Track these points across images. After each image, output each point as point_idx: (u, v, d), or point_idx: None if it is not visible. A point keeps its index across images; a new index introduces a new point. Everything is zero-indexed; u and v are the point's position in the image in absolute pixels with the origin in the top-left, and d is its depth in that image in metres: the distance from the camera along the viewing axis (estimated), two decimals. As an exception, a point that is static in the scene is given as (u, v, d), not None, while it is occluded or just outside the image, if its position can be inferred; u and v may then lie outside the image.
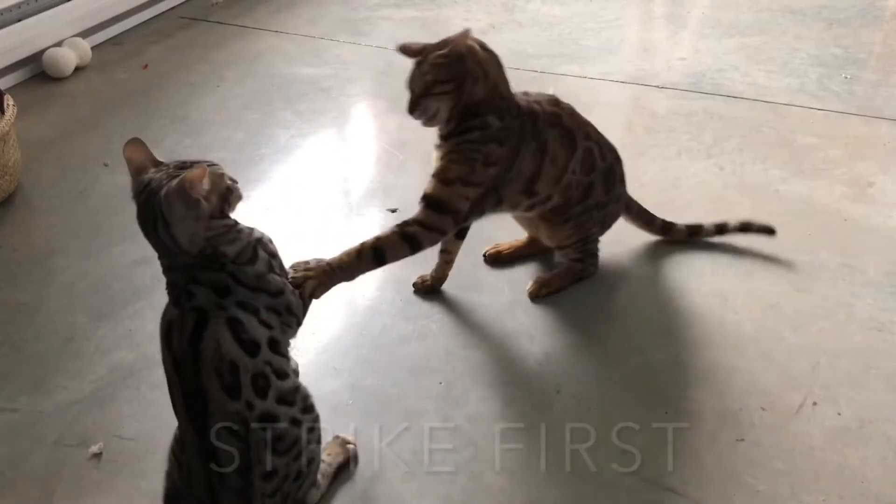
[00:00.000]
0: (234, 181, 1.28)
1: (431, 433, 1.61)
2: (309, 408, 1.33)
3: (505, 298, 1.93)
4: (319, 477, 1.42)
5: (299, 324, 1.36)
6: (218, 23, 3.54)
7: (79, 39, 3.12)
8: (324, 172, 2.48)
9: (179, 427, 1.29)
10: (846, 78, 2.94)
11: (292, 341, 1.35)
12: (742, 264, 2.03)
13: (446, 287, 1.96)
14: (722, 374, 1.72)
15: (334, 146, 2.66)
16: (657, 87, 2.92)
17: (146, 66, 3.15)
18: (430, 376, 1.74)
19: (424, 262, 2.01)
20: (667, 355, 1.78)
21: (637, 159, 2.47)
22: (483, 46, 1.69)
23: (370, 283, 2.00)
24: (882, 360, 1.74)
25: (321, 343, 1.80)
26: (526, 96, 1.77)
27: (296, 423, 1.29)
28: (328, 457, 1.47)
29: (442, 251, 1.92)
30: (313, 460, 1.35)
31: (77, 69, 3.07)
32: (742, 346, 1.79)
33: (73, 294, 1.99)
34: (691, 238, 2.07)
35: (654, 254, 2.07)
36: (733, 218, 2.06)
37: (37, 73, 3.04)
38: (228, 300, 1.23)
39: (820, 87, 2.88)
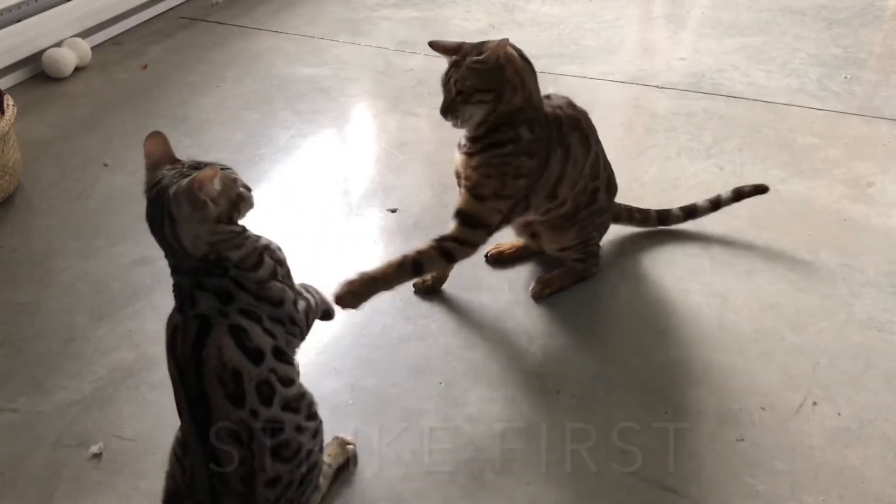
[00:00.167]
0: (248, 189, 1.27)
1: (431, 433, 1.61)
2: (313, 415, 1.32)
3: (505, 298, 1.94)
4: (320, 478, 1.42)
5: (303, 336, 1.35)
6: (218, 23, 3.54)
7: (78, 39, 3.12)
8: (324, 172, 2.48)
9: (183, 432, 1.28)
10: (846, 78, 2.94)
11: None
12: (742, 264, 2.03)
13: (446, 287, 1.96)
14: (722, 374, 1.72)
15: (334, 146, 2.66)
16: (657, 87, 2.92)
17: (146, 67, 3.14)
18: (429, 376, 1.74)
19: (424, 262, 2.02)
20: (667, 355, 1.78)
21: (637, 159, 2.47)
22: (521, 55, 1.69)
23: (370, 283, 2.00)
24: (882, 360, 1.74)
25: (321, 343, 1.80)
26: (548, 100, 1.78)
27: (300, 430, 1.28)
28: (328, 458, 1.47)
29: None
30: (316, 465, 1.35)
31: (77, 69, 3.07)
32: (742, 346, 1.79)
33: (72, 294, 1.99)
34: (688, 219, 2.09)
35: (655, 254, 2.07)
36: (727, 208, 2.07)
37: (37, 73, 3.04)
38: (231, 307, 1.22)
39: (820, 87, 2.88)
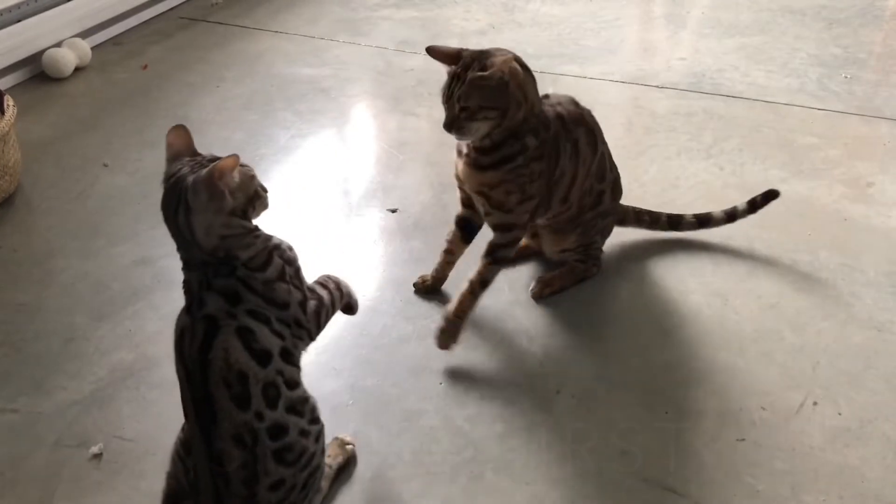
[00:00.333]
0: (265, 190, 1.29)
1: (431, 433, 1.61)
2: (316, 419, 1.32)
3: (505, 298, 1.93)
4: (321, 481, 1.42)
5: (311, 338, 1.36)
6: (218, 23, 3.54)
7: (78, 40, 3.12)
8: (324, 173, 2.48)
9: (189, 434, 1.28)
10: (846, 78, 2.94)
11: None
12: (742, 264, 2.03)
13: (446, 287, 1.96)
14: (722, 374, 1.72)
15: (334, 146, 2.66)
16: (657, 87, 2.92)
17: (146, 67, 3.14)
18: (429, 376, 1.74)
19: (424, 261, 2.02)
20: (667, 355, 1.78)
21: (637, 159, 2.47)
22: (522, 64, 1.65)
23: (370, 283, 2.00)
24: (882, 360, 1.74)
25: (321, 343, 1.78)
26: (546, 99, 1.77)
27: (304, 433, 1.28)
28: (328, 458, 1.47)
29: (446, 251, 1.92)
30: (318, 469, 1.35)
31: (77, 69, 3.07)
32: (742, 346, 1.79)
33: (72, 294, 1.99)
34: (701, 227, 2.06)
35: (655, 254, 2.07)
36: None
37: (36, 73, 3.04)
38: (239, 308, 1.23)
39: (820, 86, 2.88)
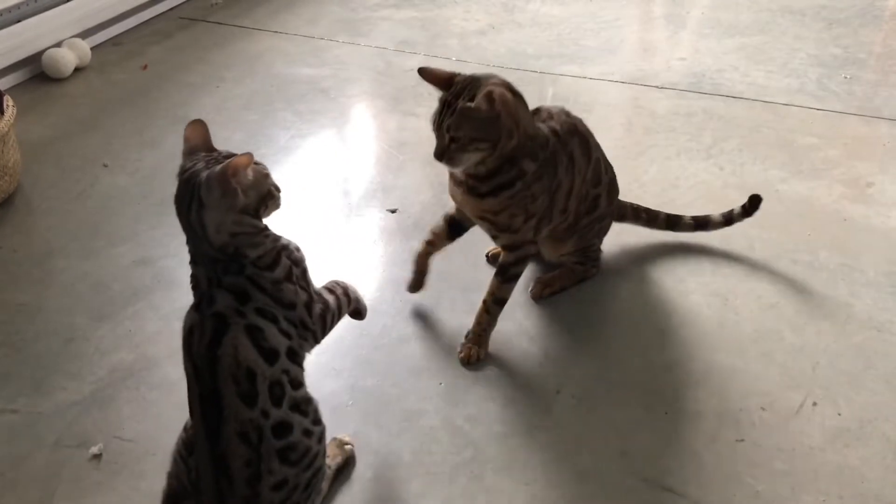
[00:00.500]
0: (278, 189, 1.30)
1: (431, 433, 1.61)
2: (318, 420, 1.33)
3: (505, 299, 1.93)
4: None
5: (317, 340, 1.36)
6: (218, 23, 3.54)
7: (78, 40, 3.12)
8: (324, 173, 2.48)
9: (193, 431, 1.28)
10: (846, 78, 2.94)
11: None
12: (742, 264, 2.03)
13: (446, 287, 1.96)
14: (722, 375, 1.72)
15: (334, 147, 2.66)
16: (657, 87, 2.93)
17: (146, 67, 3.14)
18: (429, 377, 1.74)
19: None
20: (667, 355, 1.78)
21: (637, 159, 2.47)
22: (513, 91, 1.60)
23: (370, 283, 2.00)
24: (882, 360, 1.74)
25: (321, 343, 1.80)
26: (538, 115, 1.75)
27: (308, 433, 1.29)
28: (327, 458, 1.46)
29: (427, 242, 1.88)
30: (320, 470, 1.35)
31: (76, 70, 3.07)
32: (742, 346, 1.79)
33: (72, 295, 1.99)
34: (699, 230, 2.06)
35: (655, 254, 2.08)
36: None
37: (36, 73, 3.04)
38: (248, 307, 1.24)
39: (819, 87, 2.88)
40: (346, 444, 1.53)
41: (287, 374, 1.26)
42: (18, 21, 2.97)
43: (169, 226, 2.17)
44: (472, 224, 1.81)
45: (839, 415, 1.62)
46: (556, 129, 1.72)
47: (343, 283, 1.47)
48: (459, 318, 1.86)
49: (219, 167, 1.20)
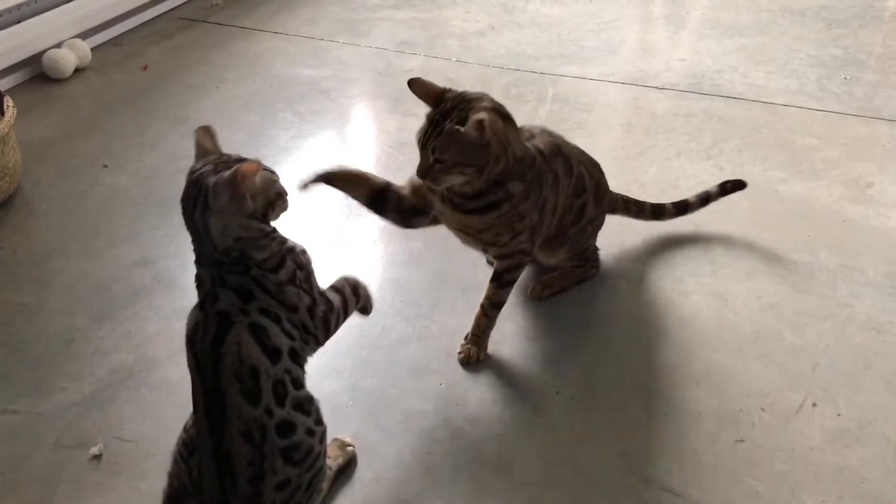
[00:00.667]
0: (286, 193, 1.31)
1: (431, 434, 1.61)
2: (320, 420, 1.33)
3: (505, 299, 1.94)
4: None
5: (319, 344, 1.37)
6: (218, 24, 3.54)
7: (78, 41, 3.12)
8: (323, 173, 2.48)
9: (195, 431, 1.28)
10: (845, 79, 2.94)
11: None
12: (742, 265, 2.03)
13: (446, 287, 1.96)
14: (722, 375, 1.72)
15: (334, 147, 2.66)
16: (656, 87, 2.93)
17: (146, 68, 3.15)
18: (429, 377, 1.74)
19: (424, 262, 2.02)
20: (667, 356, 1.78)
21: (636, 160, 2.47)
22: (502, 114, 1.56)
23: (370, 283, 1.99)
24: (881, 361, 1.74)
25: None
26: (521, 134, 1.69)
27: (310, 433, 1.29)
28: (329, 459, 1.46)
29: (366, 180, 1.75)
30: (322, 470, 1.35)
31: (77, 70, 3.07)
32: (742, 346, 1.79)
33: (73, 295, 1.99)
34: (679, 214, 2.09)
35: (654, 254, 2.08)
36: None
37: (36, 74, 3.04)
38: (251, 305, 1.24)
39: (819, 87, 2.88)
40: (348, 445, 1.54)
41: (289, 374, 1.26)
42: (19, 22, 2.97)
43: (169, 226, 2.18)
44: (426, 222, 1.72)
45: (839, 415, 1.62)
46: (541, 148, 1.69)
47: (353, 279, 1.47)
48: (459, 318, 1.86)
49: (228, 173, 1.20)
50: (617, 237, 2.08)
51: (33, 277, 2.07)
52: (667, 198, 2.25)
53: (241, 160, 1.25)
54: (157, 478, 1.38)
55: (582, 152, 1.86)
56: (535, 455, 1.56)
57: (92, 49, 3.17)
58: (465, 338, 1.79)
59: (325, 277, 1.49)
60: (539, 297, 1.93)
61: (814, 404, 1.65)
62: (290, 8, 3.69)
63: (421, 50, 3.23)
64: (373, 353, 1.80)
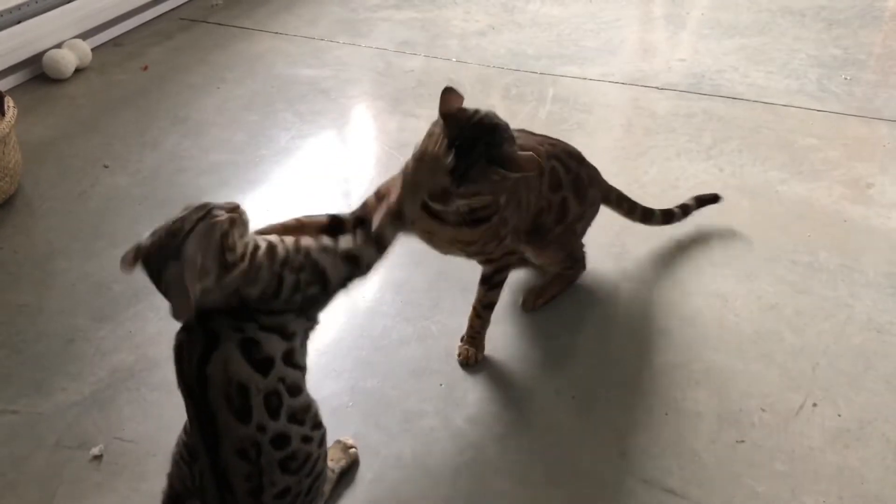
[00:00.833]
0: (234, 212, 1.18)
1: (432, 435, 1.61)
2: (318, 424, 1.31)
3: (504, 300, 1.93)
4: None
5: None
6: (218, 24, 3.54)
7: (79, 41, 3.12)
8: (324, 173, 2.49)
9: (194, 442, 1.26)
10: (846, 79, 2.94)
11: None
12: (742, 265, 2.03)
13: (446, 288, 1.96)
14: (722, 376, 1.72)
15: (334, 147, 2.66)
16: (656, 88, 2.93)
17: (146, 68, 3.15)
18: (430, 378, 1.74)
19: (424, 263, 2.02)
20: (667, 356, 1.78)
21: (636, 160, 2.47)
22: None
23: (370, 284, 2.00)
24: (881, 361, 1.74)
25: (321, 345, 1.80)
26: None
27: (307, 440, 1.27)
28: (331, 462, 1.46)
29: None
30: (322, 473, 1.35)
31: (77, 70, 3.07)
32: (742, 347, 1.79)
33: (73, 296, 1.99)
34: (665, 223, 2.06)
35: (654, 255, 2.08)
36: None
37: (37, 74, 3.04)
38: (247, 324, 1.20)
39: (819, 87, 2.88)
40: (351, 447, 1.53)
41: (283, 382, 1.22)
42: (19, 22, 2.97)
43: (169, 227, 2.17)
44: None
45: (839, 416, 1.62)
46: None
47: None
48: (459, 318, 1.85)
49: (174, 301, 1.12)
50: (617, 237, 2.08)
51: (34, 278, 2.07)
52: (667, 198, 2.25)
53: (176, 231, 1.14)
54: (157, 478, 1.38)
55: (556, 144, 1.79)
56: (535, 455, 1.56)
57: (92, 49, 3.17)
58: (462, 339, 1.79)
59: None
60: (532, 308, 1.91)
61: (814, 405, 1.65)
62: (291, 8, 3.69)
63: (421, 50, 3.23)
64: (373, 354, 1.80)
